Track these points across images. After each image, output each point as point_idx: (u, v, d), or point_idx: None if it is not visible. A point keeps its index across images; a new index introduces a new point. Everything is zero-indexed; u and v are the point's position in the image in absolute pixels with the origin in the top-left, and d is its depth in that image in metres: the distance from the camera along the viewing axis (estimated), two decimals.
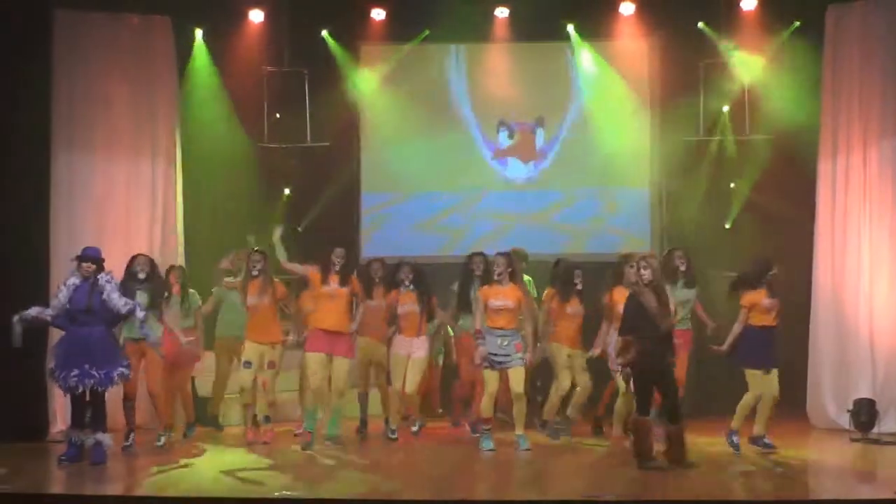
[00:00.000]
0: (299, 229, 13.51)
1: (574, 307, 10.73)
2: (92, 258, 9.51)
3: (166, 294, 10.47)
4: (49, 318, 9.42)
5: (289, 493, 8.22)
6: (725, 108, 13.38)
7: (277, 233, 10.47)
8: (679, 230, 13.42)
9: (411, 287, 10.76)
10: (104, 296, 9.42)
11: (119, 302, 9.45)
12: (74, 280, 9.45)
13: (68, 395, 9.53)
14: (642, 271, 8.99)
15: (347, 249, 10.65)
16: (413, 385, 10.72)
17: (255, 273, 10.62)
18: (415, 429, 11.11)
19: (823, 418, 11.42)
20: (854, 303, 11.34)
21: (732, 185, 13.43)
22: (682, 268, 10.79)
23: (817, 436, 11.14)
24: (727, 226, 13.34)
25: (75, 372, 9.29)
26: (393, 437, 10.83)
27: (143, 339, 9.90)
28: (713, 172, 13.46)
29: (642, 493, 8.49)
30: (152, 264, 10.33)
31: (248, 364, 10.65)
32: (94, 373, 9.34)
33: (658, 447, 9.09)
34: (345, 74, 13.93)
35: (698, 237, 12.82)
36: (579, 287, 10.74)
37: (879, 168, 11.36)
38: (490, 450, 10.09)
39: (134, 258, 10.33)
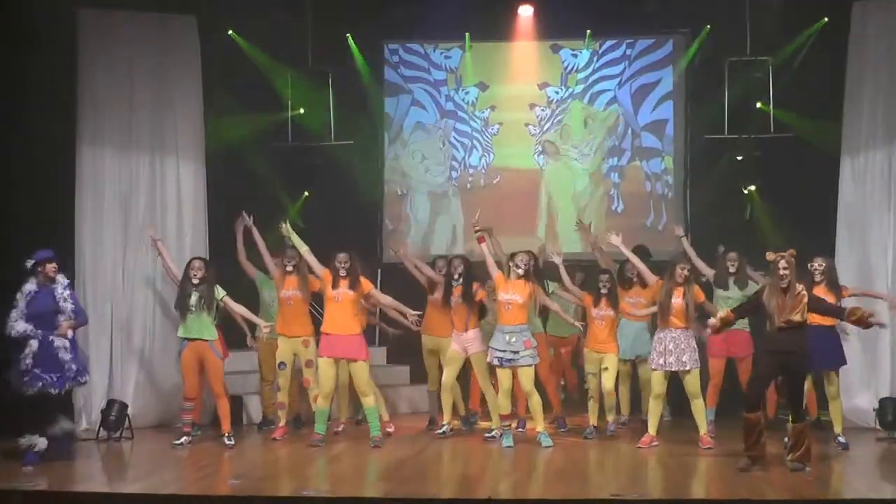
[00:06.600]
0: (301, 224, 13.50)
1: (601, 310, 10.69)
2: (53, 259, 9.52)
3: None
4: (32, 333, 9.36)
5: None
6: (751, 106, 13.31)
7: (286, 228, 10.47)
8: (703, 227, 13.40)
9: (461, 281, 10.71)
10: (63, 298, 9.45)
11: (72, 307, 9.52)
12: (29, 287, 9.41)
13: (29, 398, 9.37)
14: (782, 270, 8.94)
15: (361, 251, 10.65)
16: (486, 381, 10.66)
17: (289, 269, 10.73)
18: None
19: (848, 417, 11.30)
20: (878, 301, 11.21)
21: (755, 182, 13.38)
22: (732, 269, 10.82)
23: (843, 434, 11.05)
24: (746, 216, 13.30)
25: (45, 376, 9.28)
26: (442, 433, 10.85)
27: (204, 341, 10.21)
28: (738, 169, 13.40)
29: (667, 492, 8.48)
30: (206, 268, 10.38)
31: (282, 365, 10.76)
32: (47, 376, 9.31)
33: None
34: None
35: (722, 234, 12.75)
36: (604, 291, 10.68)
37: None
38: (509, 447, 10.11)
39: (190, 263, 10.45)
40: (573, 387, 12.05)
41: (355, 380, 10.34)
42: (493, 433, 10.55)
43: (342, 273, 10.25)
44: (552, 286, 11.19)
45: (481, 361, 10.57)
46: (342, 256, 10.29)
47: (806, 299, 8.92)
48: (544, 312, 11.04)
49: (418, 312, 10.67)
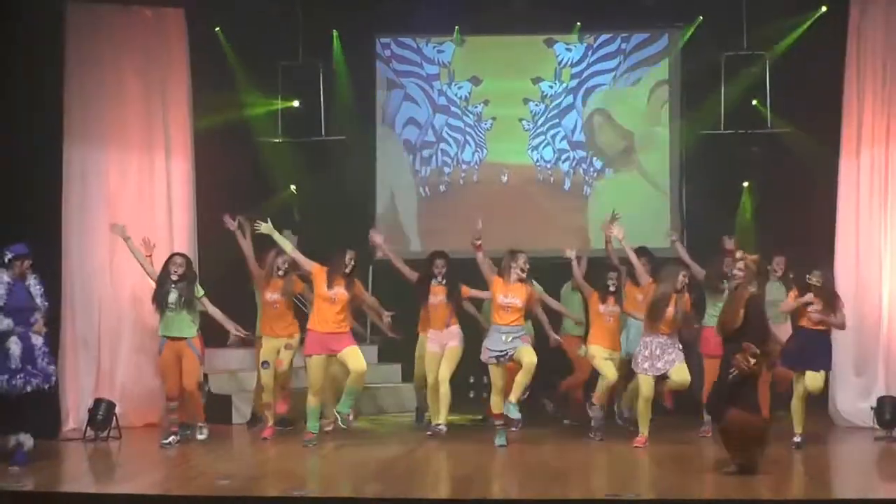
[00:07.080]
0: (296, 217, 13.40)
1: (608, 307, 10.67)
2: (28, 255, 9.42)
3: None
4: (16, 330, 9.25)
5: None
6: (748, 101, 13.21)
7: (267, 227, 10.32)
8: (699, 224, 13.31)
9: (443, 281, 10.66)
10: (38, 294, 9.39)
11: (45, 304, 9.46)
12: (6, 278, 9.29)
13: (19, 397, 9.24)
14: (736, 270, 8.84)
15: (361, 247, 10.56)
16: (447, 372, 10.56)
17: (280, 274, 10.70)
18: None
19: (846, 416, 11.25)
20: (876, 299, 11.17)
21: (752, 178, 13.31)
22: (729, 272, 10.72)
23: (840, 434, 10.99)
24: (743, 214, 13.24)
25: (22, 374, 9.15)
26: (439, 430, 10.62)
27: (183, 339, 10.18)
28: (734, 165, 13.32)
29: (663, 492, 8.40)
30: (187, 265, 10.31)
31: (265, 364, 10.70)
32: (36, 371, 9.24)
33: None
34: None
35: (717, 231, 12.65)
36: (612, 289, 10.66)
37: None
38: (502, 446, 10.05)
39: (170, 258, 10.37)
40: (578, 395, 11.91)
41: (352, 359, 10.09)
42: (440, 427, 10.38)
43: (347, 270, 10.14)
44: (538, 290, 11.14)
45: (455, 355, 10.57)
46: (353, 254, 10.22)
47: (744, 303, 8.73)
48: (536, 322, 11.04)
49: (391, 312, 10.63)
